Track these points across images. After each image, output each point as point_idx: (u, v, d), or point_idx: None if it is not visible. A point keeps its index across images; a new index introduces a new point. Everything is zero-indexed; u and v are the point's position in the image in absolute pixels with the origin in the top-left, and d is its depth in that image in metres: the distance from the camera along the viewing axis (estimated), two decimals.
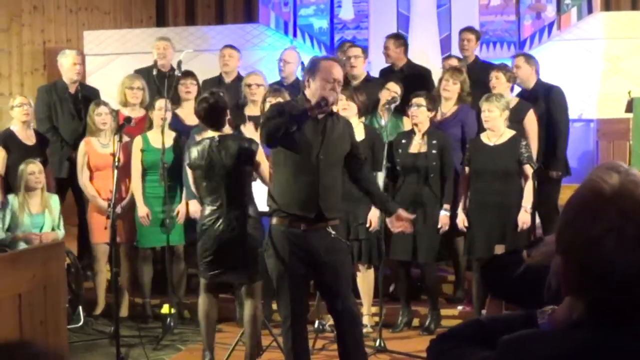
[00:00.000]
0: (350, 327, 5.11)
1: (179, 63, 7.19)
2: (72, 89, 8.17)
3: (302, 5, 10.00)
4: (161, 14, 10.79)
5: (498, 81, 7.18)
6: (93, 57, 10.22)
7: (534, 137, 7.10)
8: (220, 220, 5.54)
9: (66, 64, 8.15)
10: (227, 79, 8.24)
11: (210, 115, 5.66)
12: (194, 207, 6.79)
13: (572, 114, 9.02)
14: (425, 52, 9.33)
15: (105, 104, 7.40)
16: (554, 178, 7.41)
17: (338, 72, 5.01)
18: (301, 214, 4.97)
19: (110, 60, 9.90)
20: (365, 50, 8.41)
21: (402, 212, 5.31)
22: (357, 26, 9.84)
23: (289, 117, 4.80)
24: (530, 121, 7.16)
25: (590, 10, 9.28)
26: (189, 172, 5.96)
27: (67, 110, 8.12)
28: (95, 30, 10.40)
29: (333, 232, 5.02)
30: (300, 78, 7.12)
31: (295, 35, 9.97)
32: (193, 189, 6.20)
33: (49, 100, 8.03)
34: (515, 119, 6.99)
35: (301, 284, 5.13)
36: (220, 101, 5.70)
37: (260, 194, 5.79)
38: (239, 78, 8.17)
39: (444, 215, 6.75)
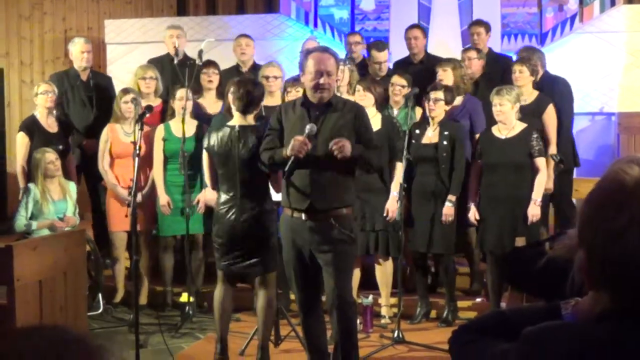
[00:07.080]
0: (342, 317, 5.17)
1: (200, 52, 7.18)
2: (83, 77, 8.22)
3: None
4: (182, 3, 10.78)
5: (522, 75, 7.12)
6: (114, 45, 10.22)
7: (553, 131, 7.06)
8: (233, 210, 5.56)
9: (75, 52, 8.22)
10: (244, 68, 8.19)
11: (244, 99, 5.63)
12: (210, 195, 6.59)
13: (594, 107, 9.01)
14: (446, 43, 9.29)
15: (132, 92, 7.41)
16: (561, 170, 7.24)
17: (326, 64, 5.05)
18: (295, 207, 5.13)
19: (131, 50, 9.91)
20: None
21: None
22: (378, 17, 9.80)
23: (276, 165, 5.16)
24: (550, 116, 7.10)
25: (613, 3, 9.20)
26: (205, 156, 5.98)
27: (79, 97, 8.16)
28: (116, 19, 10.41)
29: (334, 223, 5.06)
30: None
31: (315, 25, 9.93)
32: (206, 174, 6.19)
33: (61, 88, 8.03)
34: (535, 113, 6.95)
35: (307, 272, 5.22)
36: (257, 89, 5.74)
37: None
38: (254, 67, 8.16)
39: (447, 206, 6.71)
